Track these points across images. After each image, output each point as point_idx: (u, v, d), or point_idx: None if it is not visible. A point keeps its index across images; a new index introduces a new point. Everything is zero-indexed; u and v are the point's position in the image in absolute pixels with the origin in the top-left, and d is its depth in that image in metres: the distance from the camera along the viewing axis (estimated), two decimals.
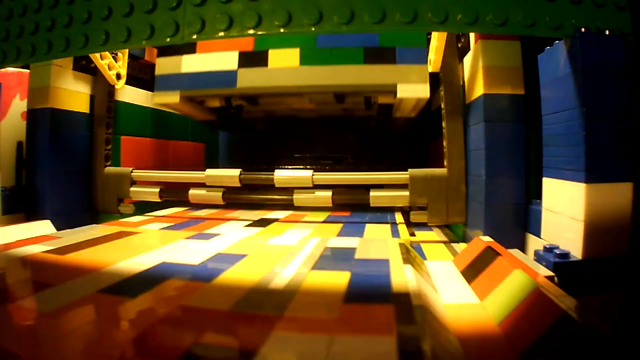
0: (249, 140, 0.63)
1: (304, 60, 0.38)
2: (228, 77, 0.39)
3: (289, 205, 0.41)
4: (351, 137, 0.52)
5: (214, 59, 0.40)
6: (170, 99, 0.41)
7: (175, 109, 0.44)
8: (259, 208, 0.46)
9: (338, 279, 0.20)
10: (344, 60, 0.38)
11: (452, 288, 0.22)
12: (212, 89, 0.40)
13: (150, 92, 0.50)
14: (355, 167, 0.51)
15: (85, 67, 0.39)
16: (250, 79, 0.39)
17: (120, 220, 0.39)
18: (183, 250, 0.26)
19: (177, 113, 0.57)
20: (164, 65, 0.41)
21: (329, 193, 0.36)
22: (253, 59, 0.39)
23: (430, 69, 0.36)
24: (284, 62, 0.38)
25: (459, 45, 0.34)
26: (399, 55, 0.37)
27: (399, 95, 0.37)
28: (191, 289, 0.19)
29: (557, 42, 0.24)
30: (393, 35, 0.38)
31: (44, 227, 0.33)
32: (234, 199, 0.39)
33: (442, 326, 0.16)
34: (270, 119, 0.48)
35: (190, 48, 0.40)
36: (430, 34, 0.40)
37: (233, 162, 0.66)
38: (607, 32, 0.22)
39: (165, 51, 0.42)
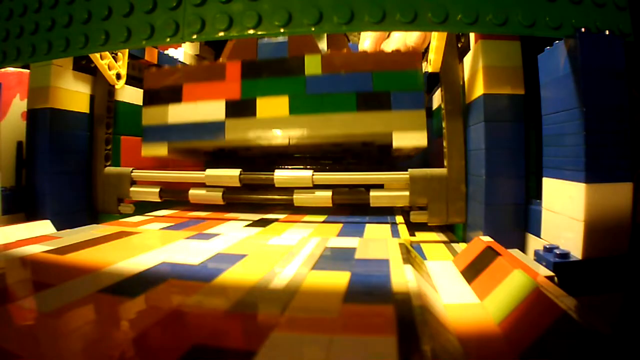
0: None
1: (294, 108, 0.37)
2: (216, 129, 0.38)
3: (289, 206, 0.41)
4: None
5: (201, 108, 0.39)
6: (158, 151, 0.40)
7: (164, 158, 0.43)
8: (259, 209, 0.46)
9: (338, 279, 0.20)
10: (335, 108, 0.36)
11: (452, 288, 0.22)
12: (201, 141, 0.39)
13: None
14: (355, 166, 0.52)
15: (85, 67, 0.39)
16: (238, 130, 0.38)
17: (120, 220, 0.39)
18: (183, 250, 0.26)
19: None
20: (151, 116, 0.40)
21: (329, 193, 0.36)
22: (241, 108, 0.38)
23: (430, 69, 0.36)
24: (273, 111, 0.37)
25: (459, 45, 0.34)
26: (394, 100, 0.36)
27: (394, 144, 0.35)
28: (191, 289, 0.19)
29: (557, 42, 0.24)
30: (387, 79, 0.36)
31: (44, 227, 0.33)
32: (234, 199, 0.39)
33: (442, 326, 0.16)
34: (268, 153, 0.47)
35: (176, 96, 0.39)
36: (427, 75, 0.38)
37: (233, 161, 0.66)
38: (607, 32, 0.22)
39: (151, 100, 0.41)
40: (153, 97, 0.41)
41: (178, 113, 0.39)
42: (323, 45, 0.42)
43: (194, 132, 0.39)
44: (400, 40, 0.50)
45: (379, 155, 0.46)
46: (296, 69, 0.37)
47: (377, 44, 0.54)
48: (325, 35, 0.44)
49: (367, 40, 0.54)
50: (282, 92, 0.37)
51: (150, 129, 0.41)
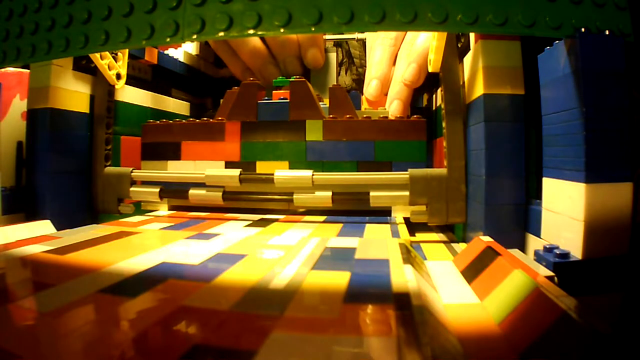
0: None
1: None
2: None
3: (289, 209, 0.41)
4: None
5: (199, 168, 0.39)
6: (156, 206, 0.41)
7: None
8: (259, 209, 0.46)
9: (338, 279, 0.20)
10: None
11: (452, 288, 0.22)
12: (198, 201, 0.39)
13: (150, 92, 0.50)
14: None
15: (85, 67, 0.39)
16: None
17: (120, 220, 0.39)
18: (183, 250, 0.26)
19: (178, 113, 0.57)
20: (148, 171, 0.41)
21: (329, 193, 0.36)
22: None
23: (430, 69, 0.36)
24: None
25: (459, 45, 0.34)
26: (396, 171, 0.35)
27: (393, 217, 0.35)
28: (191, 289, 0.19)
29: (557, 42, 0.24)
30: (390, 148, 0.36)
31: (44, 227, 0.33)
32: (234, 199, 0.39)
33: (442, 326, 0.16)
34: None
35: (176, 155, 0.40)
36: (432, 78, 0.37)
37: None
38: (607, 32, 0.22)
39: (149, 154, 0.42)
40: (152, 152, 0.42)
41: (176, 170, 0.40)
42: (326, 101, 0.42)
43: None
44: (399, 79, 0.51)
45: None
46: (297, 134, 0.38)
47: (382, 88, 0.53)
48: (328, 90, 0.42)
49: (372, 83, 0.53)
50: (282, 157, 0.38)
51: (147, 184, 0.41)
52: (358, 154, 0.37)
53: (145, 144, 0.43)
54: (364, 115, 0.40)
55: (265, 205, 0.40)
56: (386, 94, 0.53)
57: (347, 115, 0.39)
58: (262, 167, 0.38)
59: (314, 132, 0.37)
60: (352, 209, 0.38)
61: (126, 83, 0.43)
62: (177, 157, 0.40)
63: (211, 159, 0.39)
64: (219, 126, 0.40)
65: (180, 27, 0.24)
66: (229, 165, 0.39)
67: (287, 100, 0.40)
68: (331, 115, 0.39)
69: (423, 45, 0.49)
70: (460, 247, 0.32)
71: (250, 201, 0.40)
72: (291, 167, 0.37)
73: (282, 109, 0.39)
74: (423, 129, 0.37)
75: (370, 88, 0.53)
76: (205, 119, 0.42)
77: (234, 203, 0.40)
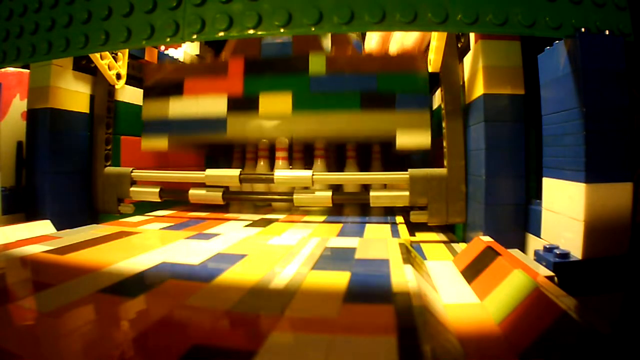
0: None
1: (297, 105, 0.37)
2: (217, 124, 0.38)
3: (289, 208, 0.41)
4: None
5: (202, 103, 0.39)
6: (158, 144, 0.41)
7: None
8: (259, 209, 0.46)
9: (338, 279, 0.20)
10: (339, 106, 0.36)
11: (452, 288, 0.22)
12: (201, 135, 0.39)
13: None
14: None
15: (85, 67, 0.39)
16: (240, 126, 0.38)
17: (120, 220, 0.39)
18: (183, 250, 0.26)
19: None
20: (151, 109, 0.40)
21: (329, 193, 0.36)
22: (243, 104, 0.38)
23: (430, 69, 0.36)
24: (276, 107, 0.37)
25: (459, 45, 0.34)
26: (398, 101, 0.36)
27: (398, 144, 0.36)
28: (191, 289, 0.19)
29: (557, 42, 0.24)
30: (392, 80, 0.36)
31: (44, 227, 0.33)
32: (234, 199, 0.39)
33: (442, 326, 0.16)
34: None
35: (178, 90, 0.39)
36: (432, 78, 0.37)
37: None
38: (607, 32, 0.22)
39: (152, 93, 0.41)
40: (153, 91, 0.41)
41: (179, 107, 0.39)
42: (327, 43, 0.42)
43: (195, 127, 0.39)
44: (399, 41, 0.50)
45: (383, 150, 0.47)
46: (300, 68, 0.37)
47: (384, 42, 0.53)
48: (330, 34, 0.43)
49: (373, 39, 0.54)
50: (285, 88, 0.37)
51: (150, 123, 0.41)
52: (361, 85, 0.37)
53: (148, 84, 0.42)
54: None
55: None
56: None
57: (349, 47, 0.39)
58: (265, 99, 0.38)
59: (317, 65, 0.37)
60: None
61: (126, 83, 0.43)
62: (179, 93, 0.40)
63: (214, 94, 0.39)
64: (222, 64, 0.40)
65: (180, 27, 0.24)
66: (231, 99, 0.38)
67: (291, 39, 0.39)
68: (333, 47, 0.40)
69: None
70: (460, 247, 0.32)
71: (250, 201, 0.40)
72: (294, 100, 0.37)
73: (286, 45, 0.39)
74: (425, 61, 0.36)
75: (371, 43, 0.52)
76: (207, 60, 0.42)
77: (234, 199, 0.39)
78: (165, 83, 0.41)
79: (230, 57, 0.40)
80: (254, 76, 0.38)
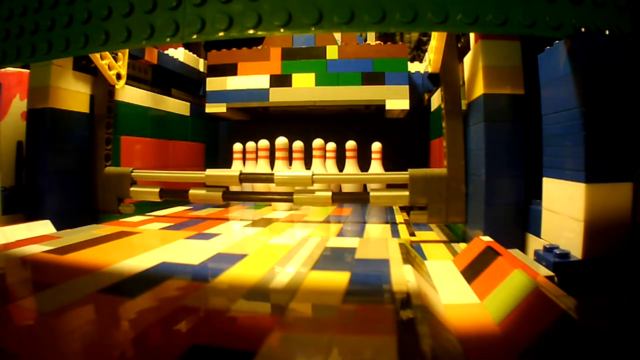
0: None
1: (319, 82, 0.53)
2: (262, 94, 0.54)
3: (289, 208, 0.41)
4: (352, 136, 0.54)
5: (252, 80, 0.55)
6: (219, 109, 0.55)
7: (220, 115, 0.58)
8: (259, 209, 0.47)
9: (338, 279, 0.20)
10: (347, 82, 0.53)
11: (452, 288, 0.22)
12: (251, 102, 0.55)
13: (150, 92, 0.50)
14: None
15: (85, 67, 0.39)
16: (278, 95, 0.54)
17: (120, 220, 0.39)
18: (183, 250, 0.26)
19: (178, 113, 0.57)
20: (213, 84, 0.56)
21: (329, 193, 0.36)
22: (281, 80, 0.54)
23: (430, 69, 0.36)
24: (304, 83, 0.54)
25: (459, 45, 0.34)
26: (387, 78, 0.52)
27: (387, 107, 0.52)
28: (191, 289, 0.19)
29: (557, 42, 0.24)
30: (383, 63, 0.52)
31: (44, 227, 0.33)
32: (234, 199, 0.39)
33: (442, 326, 0.16)
34: (290, 114, 0.62)
35: (233, 71, 0.55)
36: (427, 75, 0.52)
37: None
38: (607, 32, 0.22)
39: (214, 72, 0.56)
40: (216, 70, 0.56)
41: (234, 82, 0.55)
42: (338, 37, 0.59)
43: (246, 96, 0.55)
44: None
45: (376, 115, 0.61)
46: (320, 55, 0.54)
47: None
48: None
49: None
50: (310, 70, 0.54)
51: (212, 93, 0.56)
52: (362, 67, 0.52)
53: (211, 65, 0.56)
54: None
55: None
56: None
57: (354, 41, 0.58)
58: (296, 77, 0.54)
59: (332, 53, 0.54)
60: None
61: (126, 83, 0.43)
62: (234, 73, 0.55)
63: (260, 73, 0.54)
64: (265, 51, 0.55)
65: (180, 27, 0.24)
66: (272, 77, 0.54)
67: (314, 35, 0.56)
68: (344, 43, 0.57)
69: None
70: (460, 247, 0.32)
71: (250, 201, 0.40)
72: (317, 78, 0.53)
73: (310, 38, 0.56)
74: (405, 51, 0.53)
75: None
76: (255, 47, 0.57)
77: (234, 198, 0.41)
78: (224, 65, 0.56)
79: (270, 47, 0.56)
80: (289, 61, 0.54)
